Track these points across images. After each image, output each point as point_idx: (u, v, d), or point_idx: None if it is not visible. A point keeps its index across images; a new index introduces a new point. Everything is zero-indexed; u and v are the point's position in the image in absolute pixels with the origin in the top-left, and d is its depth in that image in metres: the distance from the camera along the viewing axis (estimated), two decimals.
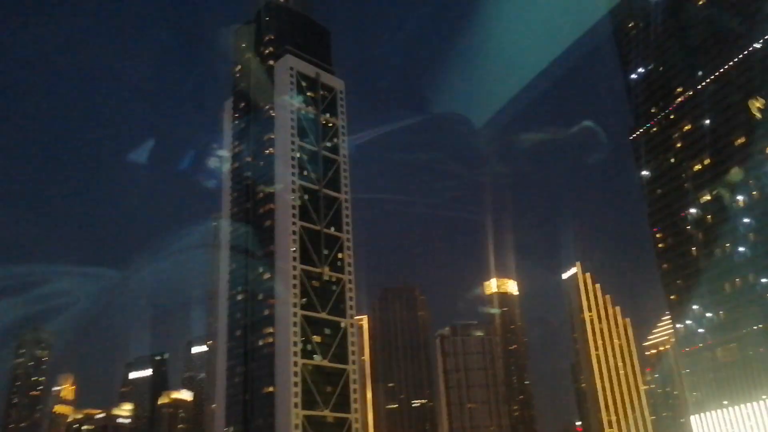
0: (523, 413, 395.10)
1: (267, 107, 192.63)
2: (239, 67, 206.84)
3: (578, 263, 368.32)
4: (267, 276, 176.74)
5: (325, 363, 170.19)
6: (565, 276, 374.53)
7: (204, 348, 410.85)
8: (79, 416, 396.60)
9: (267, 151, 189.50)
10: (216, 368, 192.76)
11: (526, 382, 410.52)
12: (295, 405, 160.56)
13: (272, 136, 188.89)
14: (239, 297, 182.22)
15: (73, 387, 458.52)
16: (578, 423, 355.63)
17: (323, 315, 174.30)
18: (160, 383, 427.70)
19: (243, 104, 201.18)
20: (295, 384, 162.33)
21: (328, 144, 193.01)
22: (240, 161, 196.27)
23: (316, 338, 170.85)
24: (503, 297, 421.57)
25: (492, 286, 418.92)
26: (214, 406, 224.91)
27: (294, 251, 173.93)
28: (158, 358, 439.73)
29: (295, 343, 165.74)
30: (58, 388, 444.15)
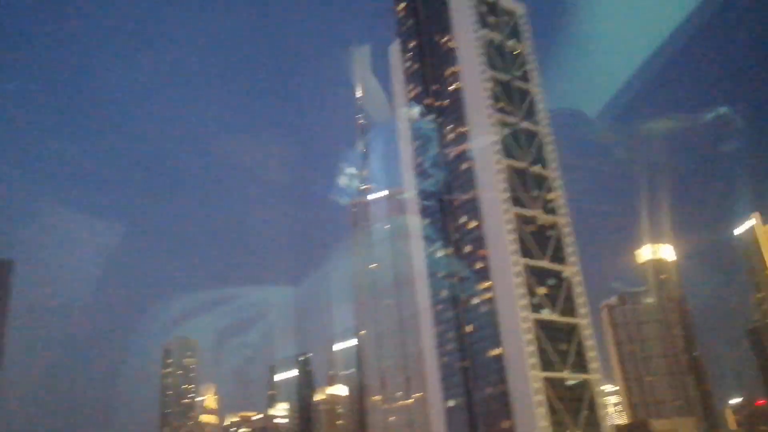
0: (696, 387, 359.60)
1: (445, 39, 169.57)
2: (403, 4, 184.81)
3: (756, 214, 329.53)
4: (473, 224, 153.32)
5: (555, 317, 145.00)
6: (738, 231, 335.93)
7: (346, 344, 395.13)
8: (235, 419, 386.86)
9: (452, 88, 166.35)
10: (421, 337, 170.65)
11: (695, 354, 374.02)
12: (533, 366, 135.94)
13: (456, 69, 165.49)
14: (440, 254, 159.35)
15: (216, 396, 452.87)
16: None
17: (545, 263, 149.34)
18: (306, 383, 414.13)
19: (413, 43, 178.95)
20: (529, 342, 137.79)
21: (518, 73, 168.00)
22: (419, 104, 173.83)
23: (541, 290, 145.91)
24: (658, 264, 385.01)
25: (645, 253, 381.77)
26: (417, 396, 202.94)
27: (504, 191, 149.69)
28: (302, 358, 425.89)
29: (521, 296, 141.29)
30: (202, 398, 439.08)
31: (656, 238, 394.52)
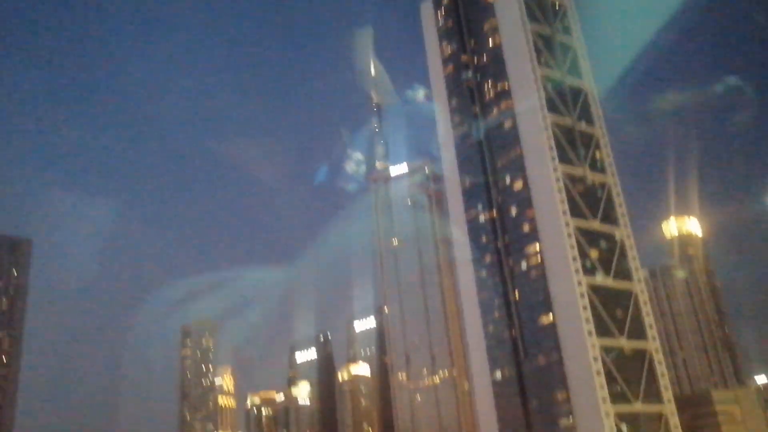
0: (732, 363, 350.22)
1: None
2: None
3: None
4: (518, 185, 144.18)
5: (609, 282, 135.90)
6: None
7: (366, 323, 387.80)
8: (256, 399, 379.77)
9: (491, 43, 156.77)
10: (462, 307, 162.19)
11: (726, 330, 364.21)
12: (589, 333, 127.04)
13: (494, 24, 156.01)
14: (482, 217, 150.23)
15: (233, 378, 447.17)
16: None
17: (596, 225, 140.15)
18: (326, 362, 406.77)
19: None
20: (584, 308, 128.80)
21: (559, 26, 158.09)
22: (455, 62, 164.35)
23: (593, 252, 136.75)
24: (686, 239, 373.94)
25: (672, 227, 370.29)
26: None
27: (551, 149, 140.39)
28: (321, 337, 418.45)
29: (574, 259, 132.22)
30: (219, 380, 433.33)
31: (682, 212, 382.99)
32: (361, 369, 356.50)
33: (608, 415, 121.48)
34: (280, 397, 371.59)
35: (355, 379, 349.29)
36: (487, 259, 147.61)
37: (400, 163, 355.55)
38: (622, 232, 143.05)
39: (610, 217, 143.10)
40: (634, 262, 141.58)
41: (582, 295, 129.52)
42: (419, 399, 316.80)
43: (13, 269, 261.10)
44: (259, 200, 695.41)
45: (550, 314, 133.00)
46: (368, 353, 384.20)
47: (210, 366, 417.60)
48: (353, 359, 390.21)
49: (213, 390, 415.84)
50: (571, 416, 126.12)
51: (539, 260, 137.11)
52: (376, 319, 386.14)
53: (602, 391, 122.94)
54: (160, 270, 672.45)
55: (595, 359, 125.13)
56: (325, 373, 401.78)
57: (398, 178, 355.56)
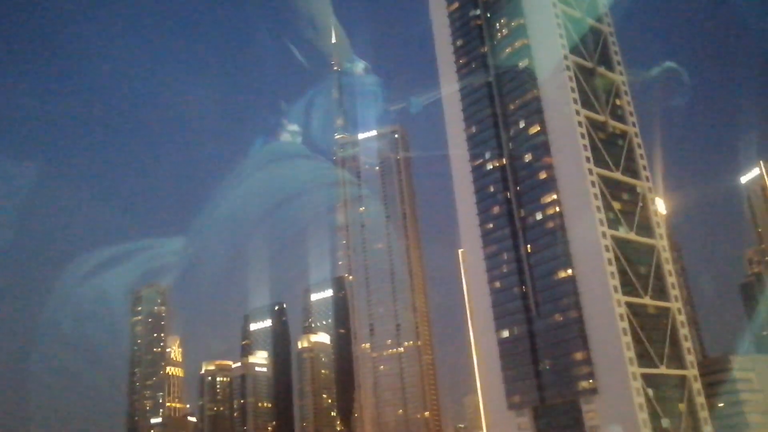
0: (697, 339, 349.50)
1: None
2: None
3: (761, 162, 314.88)
4: (534, 130, 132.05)
5: (632, 236, 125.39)
6: (745, 179, 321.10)
7: (323, 294, 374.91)
8: (211, 367, 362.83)
9: None
10: (468, 261, 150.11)
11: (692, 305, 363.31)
12: (614, 289, 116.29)
13: None
14: (490, 165, 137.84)
15: (181, 349, 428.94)
16: None
17: (617, 175, 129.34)
18: (281, 332, 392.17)
19: None
20: (609, 262, 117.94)
21: None
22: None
23: (616, 204, 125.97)
24: None
25: None
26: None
27: (573, 90, 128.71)
28: (277, 307, 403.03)
29: (598, 209, 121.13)
30: (168, 349, 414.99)
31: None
32: (321, 337, 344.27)
33: (635, 377, 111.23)
34: (236, 365, 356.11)
35: (315, 347, 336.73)
36: (495, 210, 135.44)
37: (369, 131, 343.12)
38: (644, 186, 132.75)
39: (631, 169, 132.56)
40: (656, 217, 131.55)
41: (607, 249, 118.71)
42: (382, 368, 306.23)
43: None
44: (210, 164, 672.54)
45: (569, 269, 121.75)
46: (324, 324, 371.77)
47: (162, 334, 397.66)
48: (308, 330, 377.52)
49: (164, 358, 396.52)
50: (591, 378, 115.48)
51: (557, 210, 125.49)
52: (333, 289, 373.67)
53: (629, 352, 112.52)
54: (99, 234, 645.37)
55: (621, 317, 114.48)
56: (281, 342, 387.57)
57: (367, 141, 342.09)
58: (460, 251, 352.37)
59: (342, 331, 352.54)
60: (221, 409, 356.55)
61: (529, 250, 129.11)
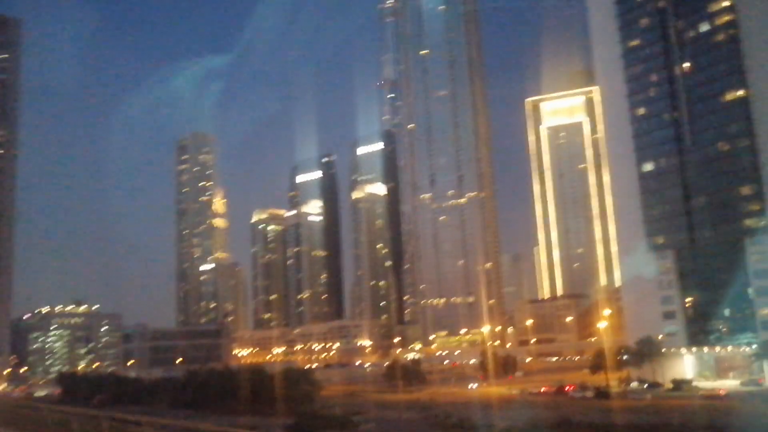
0: None
1: None
2: None
3: None
4: None
5: None
6: None
7: (371, 148, 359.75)
8: (264, 216, 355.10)
9: None
10: (604, 85, 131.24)
11: None
12: None
13: None
14: None
15: (224, 200, 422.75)
16: None
17: None
18: (330, 185, 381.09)
19: None
20: None
21: None
22: None
23: None
24: None
25: None
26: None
27: None
28: (326, 159, 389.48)
29: None
30: (215, 198, 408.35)
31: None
32: (376, 188, 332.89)
33: None
34: (289, 214, 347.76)
35: (371, 198, 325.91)
36: (643, 22, 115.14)
37: None
38: None
39: None
40: None
41: None
42: (443, 219, 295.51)
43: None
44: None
45: (741, 89, 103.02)
46: (371, 177, 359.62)
47: (208, 183, 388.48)
48: (356, 183, 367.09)
49: (210, 208, 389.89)
50: (761, 216, 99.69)
51: (731, 18, 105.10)
52: (383, 142, 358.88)
53: None
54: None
55: None
56: (329, 193, 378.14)
57: None
58: (527, 100, 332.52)
59: (392, 184, 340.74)
60: (274, 257, 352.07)
61: (686, 69, 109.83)
